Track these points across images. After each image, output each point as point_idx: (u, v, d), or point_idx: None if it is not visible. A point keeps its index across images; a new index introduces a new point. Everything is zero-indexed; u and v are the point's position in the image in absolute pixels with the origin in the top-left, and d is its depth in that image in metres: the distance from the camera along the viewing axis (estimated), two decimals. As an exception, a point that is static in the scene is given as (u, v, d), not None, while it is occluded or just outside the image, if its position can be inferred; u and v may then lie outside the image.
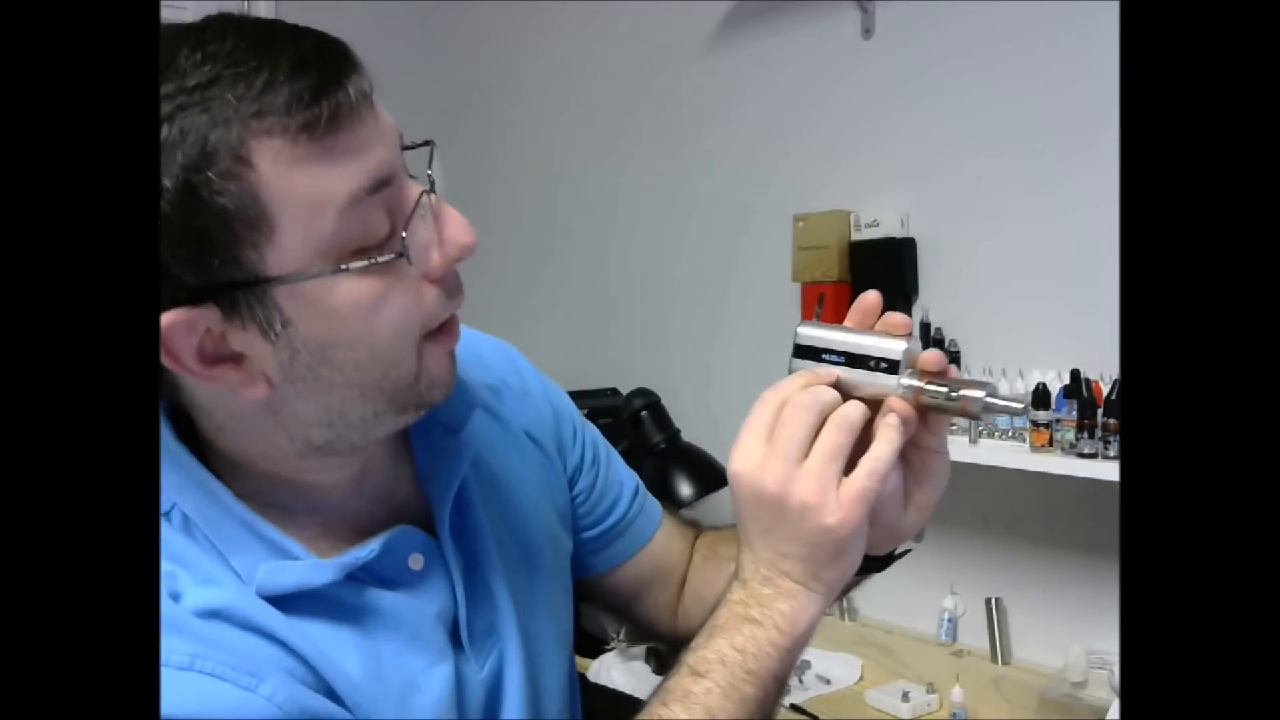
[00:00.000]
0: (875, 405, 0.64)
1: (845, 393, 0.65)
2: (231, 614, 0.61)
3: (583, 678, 1.52)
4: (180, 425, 0.66)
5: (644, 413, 1.89)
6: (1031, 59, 1.54)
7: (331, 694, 0.63)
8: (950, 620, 1.68)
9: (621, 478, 0.90)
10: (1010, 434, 1.46)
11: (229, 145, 0.54)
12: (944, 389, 0.64)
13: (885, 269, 1.68)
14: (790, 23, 1.88)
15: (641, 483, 0.92)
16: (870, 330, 0.67)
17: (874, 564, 0.70)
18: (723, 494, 1.83)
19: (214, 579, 0.62)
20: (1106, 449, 1.34)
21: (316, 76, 0.56)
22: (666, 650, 1.67)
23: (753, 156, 1.98)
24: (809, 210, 1.80)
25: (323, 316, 0.59)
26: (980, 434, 1.49)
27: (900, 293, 1.68)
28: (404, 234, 0.59)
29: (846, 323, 0.68)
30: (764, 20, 1.93)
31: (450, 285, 0.64)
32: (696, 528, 0.95)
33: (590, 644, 1.82)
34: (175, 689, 0.56)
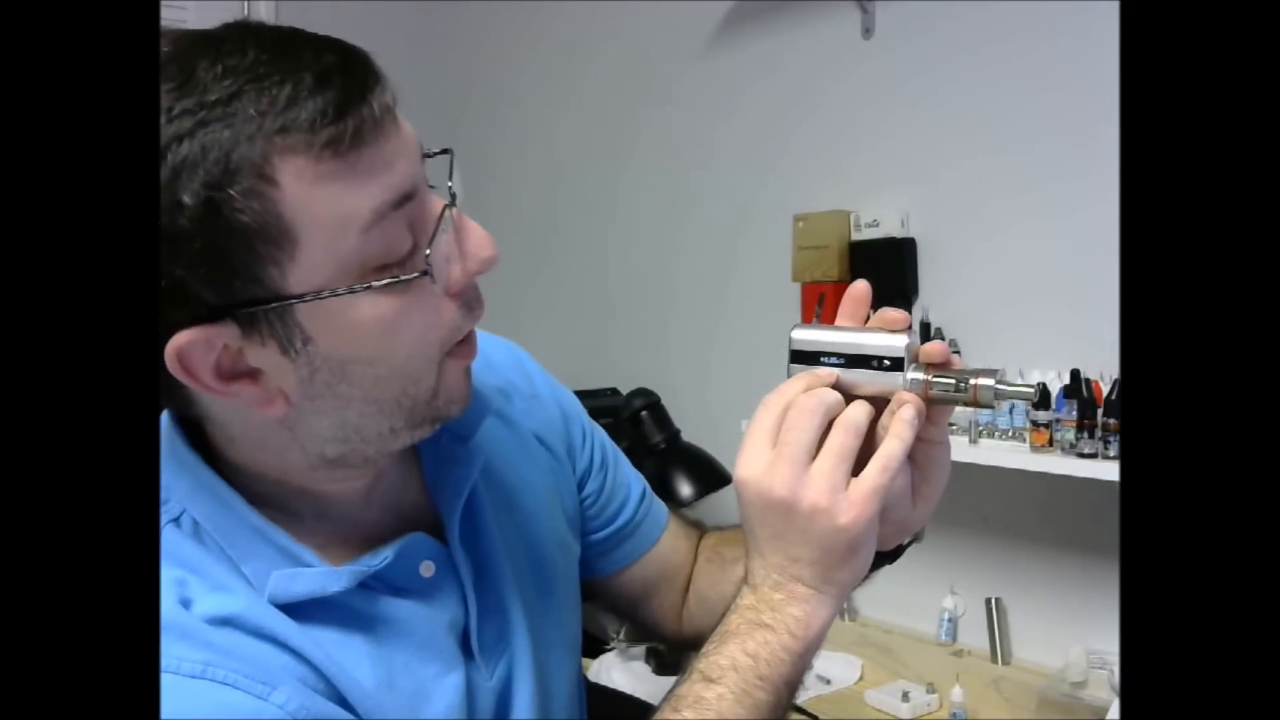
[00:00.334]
0: (876, 402, 0.64)
1: (846, 393, 0.64)
2: (243, 621, 0.60)
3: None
4: (192, 434, 0.66)
5: (644, 413, 1.89)
6: (1031, 59, 1.54)
7: (343, 702, 0.63)
8: (950, 620, 1.68)
9: (629, 480, 0.90)
10: (1010, 434, 1.46)
11: (252, 162, 0.53)
12: (952, 380, 0.63)
13: (885, 269, 1.68)
14: (790, 23, 1.88)
15: (648, 485, 0.92)
16: (867, 328, 0.66)
17: (883, 559, 0.71)
18: (723, 494, 1.83)
19: (225, 586, 0.62)
20: (1106, 449, 1.34)
21: (340, 91, 0.55)
22: (668, 651, 1.67)
23: (753, 156, 1.98)
24: (809, 210, 1.80)
25: (344, 334, 0.58)
26: (980, 434, 1.49)
27: (900, 293, 1.68)
28: (428, 251, 0.59)
29: (840, 317, 0.67)
30: (764, 20, 1.93)
31: (470, 299, 0.63)
32: (701, 529, 0.95)
33: (590, 644, 1.81)
34: (187, 697, 0.56)
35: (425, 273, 0.58)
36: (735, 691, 0.62)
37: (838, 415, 0.62)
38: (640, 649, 1.78)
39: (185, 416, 0.65)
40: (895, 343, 0.64)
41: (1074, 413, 1.36)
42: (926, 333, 1.62)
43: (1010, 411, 1.47)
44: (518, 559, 0.75)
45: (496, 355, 0.84)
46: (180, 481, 0.64)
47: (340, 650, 0.63)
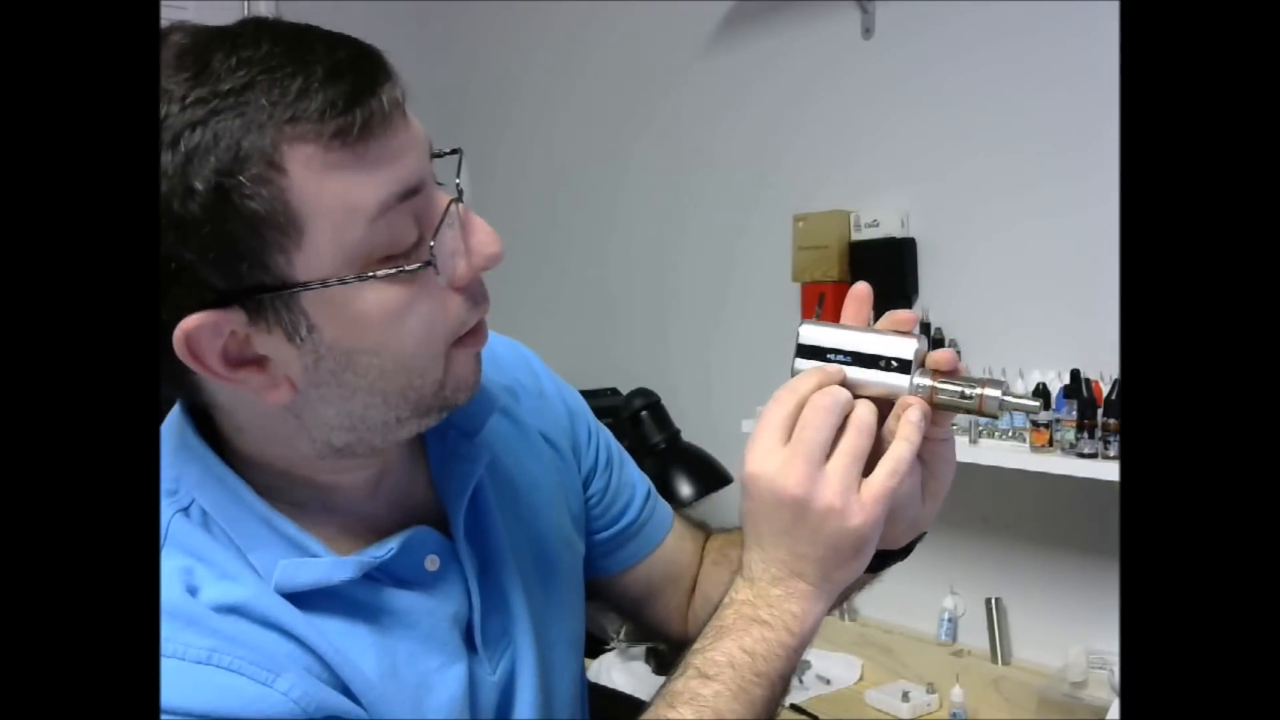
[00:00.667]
0: (879, 403, 0.64)
1: (850, 391, 0.64)
2: (249, 610, 0.61)
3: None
4: (201, 425, 0.66)
5: (644, 413, 1.89)
6: (1032, 59, 1.54)
7: (347, 692, 0.63)
8: (950, 620, 1.68)
9: (634, 480, 0.90)
10: (1010, 434, 1.46)
11: (262, 150, 0.54)
12: (958, 388, 0.64)
13: (885, 269, 1.68)
14: (790, 23, 1.88)
15: (653, 485, 0.92)
16: (874, 328, 0.66)
17: (894, 556, 0.71)
18: (723, 494, 1.83)
19: (232, 574, 0.62)
20: (1106, 449, 1.34)
21: (350, 84, 0.56)
22: (668, 651, 1.67)
23: (753, 156, 1.98)
24: (809, 210, 1.80)
25: (348, 322, 0.59)
26: (980, 434, 1.49)
27: (900, 293, 1.68)
28: (432, 243, 0.59)
29: (844, 315, 0.67)
30: (764, 20, 1.93)
31: (475, 292, 0.64)
32: (706, 530, 0.95)
33: (590, 644, 1.81)
34: (192, 683, 0.57)
35: (429, 264, 0.59)
36: (732, 689, 0.62)
37: (850, 415, 0.63)
38: (640, 649, 1.78)
39: (195, 406, 0.66)
40: (905, 345, 0.64)
41: (1074, 413, 1.36)
42: (926, 332, 1.62)
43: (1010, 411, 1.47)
44: (522, 555, 0.76)
45: (504, 354, 0.84)
46: (190, 471, 0.65)
47: (345, 640, 0.64)
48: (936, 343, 1.59)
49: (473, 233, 0.62)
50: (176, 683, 0.56)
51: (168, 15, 0.56)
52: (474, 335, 0.65)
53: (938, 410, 0.65)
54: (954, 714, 1.53)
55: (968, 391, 0.63)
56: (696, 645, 0.64)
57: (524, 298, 2.53)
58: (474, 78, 2.61)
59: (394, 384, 0.62)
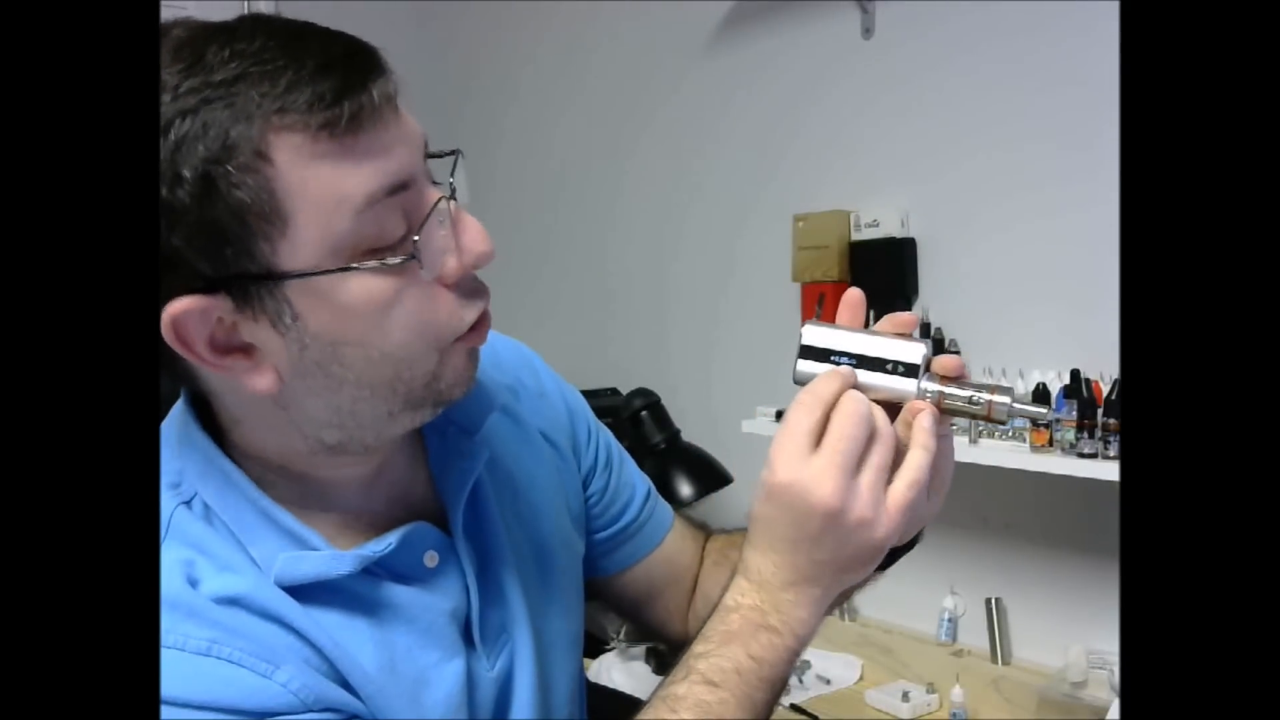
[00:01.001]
0: (883, 406, 0.64)
1: None
2: (249, 601, 0.62)
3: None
4: (203, 418, 0.67)
5: (644, 413, 1.89)
6: (1032, 59, 1.54)
7: (346, 685, 0.64)
8: (950, 620, 1.68)
9: (634, 480, 0.90)
10: (1010, 434, 1.46)
11: (249, 139, 0.55)
12: (966, 394, 0.64)
13: (885, 269, 1.68)
14: (790, 23, 1.88)
15: (653, 485, 0.92)
16: (878, 330, 0.66)
17: (900, 552, 0.71)
18: (723, 494, 1.83)
19: (233, 567, 0.63)
20: (1106, 449, 1.34)
21: (340, 77, 0.56)
22: (668, 651, 1.67)
23: (753, 156, 1.98)
24: (809, 210, 1.80)
25: (332, 313, 0.59)
26: (980, 434, 1.49)
27: (900, 293, 1.68)
28: (416, 238, 0.60)
29: (839, 320, 0.67)
30: (764, 20, 1.93)
31: (467, 289, 0.64)
32: (706, 531, 0.95)
33: (590, 644, 1.81)
34: (192, 674, 0.58)
35: (413, 257, 0.59)
36: (738, 696, 0.62)
37: (874, 425, 0.62)
38: (640, 649, 1.78)
39: (197, 399, 0.67)
40: (912, 350, 0.64)
41: (1074, 413, 1.36)
42: (926, 333, 1.62)
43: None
44: (521, 552, 0.76)
45: (506, 354, 0.85)
46: (193, 465, 0.66)
47: (343, 633, 0.64)
48: (937, 343, 1.59)
49: (463, 231, 0.62)
50: (176, 673, 0.57)
51: (168, 14, 0.57)
52: (474, 332, 0.65)
53: (943, 414, 0.65)
54: (954, 714, 1.53)
55: (976, 397, 0.63)
56: (700, 649, 0.64)
57: (524, 298, 2.53)
58: (474, 78, 2.61)
59: (380, 377, 0.62)
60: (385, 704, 0.65)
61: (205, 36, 0.57)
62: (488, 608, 0.72)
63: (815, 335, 0.65)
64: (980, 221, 1.63)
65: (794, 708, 1.59)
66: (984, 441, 1.48)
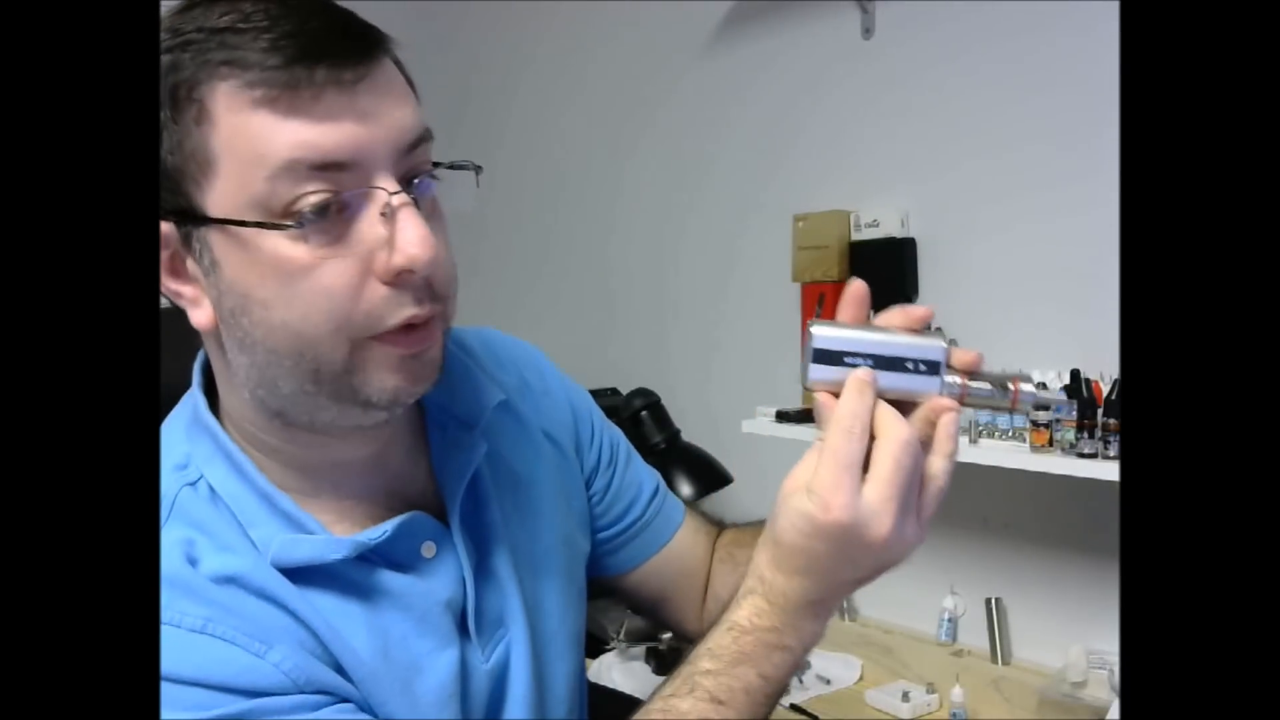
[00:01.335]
0: (900, 405, 0.61)
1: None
2: (246, 581, 0.63)
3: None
4: (213, 406, 0.70)
5: (644, 413, 1.89)
6: (1032, 59, 1.54)
7: (339, 669, 0.65)
8: (950, 620, 1.68)
9: (640, 479, 0.90)
10: (1010, 434, 1.46)
11: (197, 85, 0.59)
12: (989, 387, 0.62)
13: (885, 269, 1.68)
14: (790, 23, 1.88)
15: (663, 484, 0.92)
16: (891, 327, 0.63)
17: None
18: (723, 494, 1.83)
19: (232, 547, 0.64)
20: (1106, 449, 1.33)
21: (297, 47, 0.58)
22: (668, 651, 1.67)
23: (753, 156, 1.98)
24: (809, 210, 1.80)
25: (245, 267, 0.61)
26: (980, 434, 1.49)
27: (900, 293, 1.68)
28: (308, 213, 0.59)
29: (841, 315, 0.64)
30: (764, 20, 1.92)
31: (407, 287, 0.63)
32: (720, 526, 0.95)
33: (590, 644, 1.81)
34: (187, 651, 0.59)
35: (299, 225, 0.59)
36: (742, 713, 0.62)
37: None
38: (640, 649, 1.78)
39: (208, 388, 0.70)
40: (933, 347, 0.62)
41: (1074, 413, 1.36)
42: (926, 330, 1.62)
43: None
44: (520, 548, 0.77)
45: (508, 352, 0.85)
46: (200, 448, 0.68)
47: (338, 617, 0.65)
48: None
49: (400, 231, 0.61)
50: (171, 649, 0.58)
51: (166, 9, 0.58)
52: (402, 337, 0.63)
53: (964, 406, 0.63)
54: (954, 714, 1.53)
55: (1000, 390, 0.61)
56: (709, 666, 0.63)
57: (524, 298, 2.53)
58: (474, 78, 2.61)
59: (285, 346, 0.62)
60: (377, 688, 0.66)
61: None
62: (484, 600, 0.73)
63: (826, 336, 0.62)
64: (980, 221, 1.63)
65: (794, 708, 1.59)
66: (984, 441, 1.48)
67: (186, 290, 0.64)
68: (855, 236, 1.74)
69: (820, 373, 0.62)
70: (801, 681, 1.67)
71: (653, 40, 2.16)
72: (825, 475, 0.59)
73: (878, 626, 1.78)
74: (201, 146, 0.59)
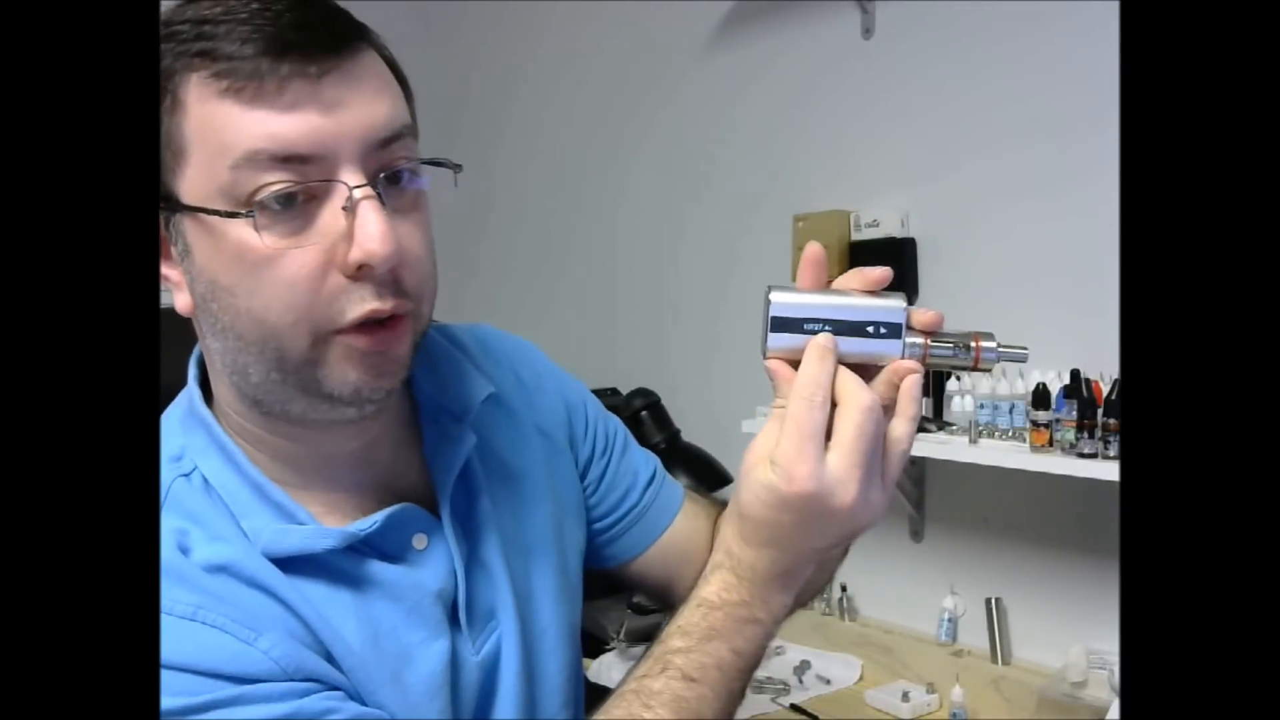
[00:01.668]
0: (860, 368, 0.60)
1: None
2: (237, 569, 0.64)
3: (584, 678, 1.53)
4: (208, 400, 0.70)
5: (644, 413, 1.89)
6: (1032, 59, 1.54)
7: (329, 658, 0.65)
8: (950, 620, 1.68)
9: (637, 467, 0.90)
10: (1010, 434, 1.46)
11: (174, 74, 0.60)
12: (951, 346, 0.61)
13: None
14: (790, 23, 1.88)
15: (661, 470, 0.92)
16: (851, 289, 0.62)
17: None
18: (723, 493, 1.83)
19: (223, 536, 0.65)
20: (1106, 449, 1.34)
21: (267, 40, 0.59)
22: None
23: (753, 157, 1.98)
24: (809, 210, 1.80)
25: (212, 254, 0.62)
26: (980, 434, 1.49)
27: (899, 291, 1.68)
28: (260, 201, 0.60)
29: (800, 281, 0.63)
30: (764, 20, 1.93)
31: (368, 283, 0.62)
32: (721, 507, 0.95)
33: (590, 644, 1.82)
34: (177, 637, 0.60)
35: (249, 214, 0.60)
36: (717, 689, 0.62)
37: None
38: (640, 649, 1.78)
39: (203, 381, 0.70)
40: (893, 309, 0.60)
41: (1074, 413, 1.36)
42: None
43: (1010, 411, 1.47)
44: (513, 541, 0.77)
45: (502, 349, 0.86)
46: (195, 439, 0.68)
47: (328, 607, 0.66)
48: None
49: (360, 226, 0.61)
50: (163, 636, 0.58)
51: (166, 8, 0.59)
52: (362, 333, 0.63)
53: (926, 368, 0.62)
54: (954, 714, 1.53)
55: (962, 349, 0.61)
56: (679, 644, 0.63)
57: (524, 298, 2.53)
58: (474, 78, 2.61)
59: (250, 334, 0.62)
60: (367, 678, 0.66)
61: None
62: (475, 592, 0.73)
63: (785, 303, 0.60)
64: (980, 222, 1.63)
65: (794, 708, 1.59)
66: (984, 441, 1.48)
67: (172, 275, 0.65)
68: (855, 236, 1.74)
69: (780, 341, 0.61)
70: (801, 681, 1.67)
71: (653, 40, 2.16)
72: (788, 446, 0.58)
73: (878, 626, 1.78)
74: (175, 135, 0.60)
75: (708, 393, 2.04)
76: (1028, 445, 1.42)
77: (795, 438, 0.58)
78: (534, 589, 0.78)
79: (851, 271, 0.63)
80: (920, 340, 0.61)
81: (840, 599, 1.79)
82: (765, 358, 0.62)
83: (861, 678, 1.71)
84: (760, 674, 1.66)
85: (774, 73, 1.92)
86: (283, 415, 0.67)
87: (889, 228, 1.70)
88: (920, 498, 1.68)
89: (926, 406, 1.58)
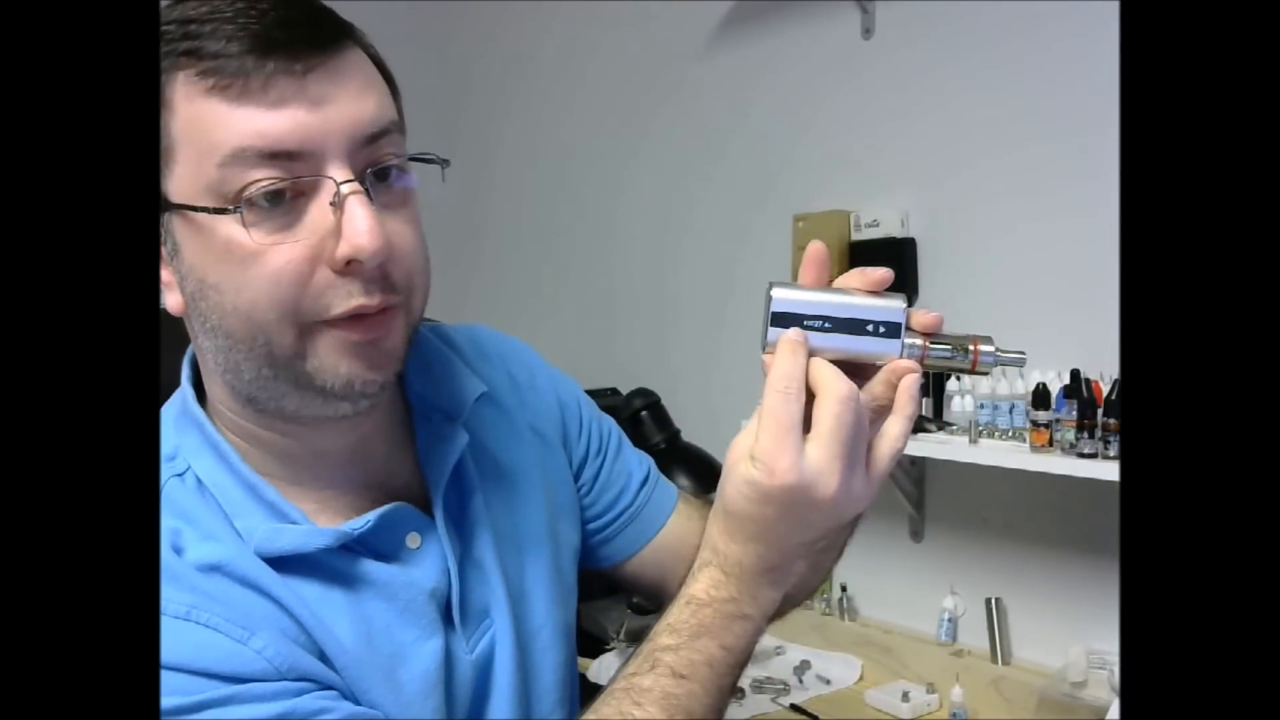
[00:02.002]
0: (854, 366, 0.61)
1: (819, 355, 0.61)
2: (231, 569, 0.64)
3: (582, 678, 1.52)
4: (200, 397, 0.70)
5: (644, 413, 1.89)
6: (1032, 59, 1.54)
7: (323, 657, 0.65)
8: (950, 620, 1.68)
9: (630, 468, 0.90)
10: (1010, 434, 1.46)
11: (164, 74, 0.61)
12: (950, 348, 0.61)
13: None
14: (790, 23, 1.88)
15: (655, 470, 0.92)
16: (851, 289, 0.62)
17: None
18: (723, 494, 1.83)
19: (217, 536, 0.65)
20: (1106, 449, 1.34)
21: (252, 38, 0.59)
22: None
23: (753, 157, 1.98)
24: (809, 210, 1.80)
25: (200, 252, 0.62)
26: (980, 434, 1.49)
27: (900, 292, 1.68)
28: (250, 197, 0.60)
29: (802, 279, 0.63)
30: (764, 21, 1.93)
31: (356, 279, 0.63)
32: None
33: (591, 644, 1.82)
34: (171, 637, 0.59)
35: (236, 210, 0.60)
36: (707, 686, 0.62)
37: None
38: (640, 649, 1.79)
39: (196, 382, 0.71)
40: (892, 309, 0.61)
41: (1074, 413, 1.36)
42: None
43: (1010, 411, 1.47)
44: (506, 540, 0.77)
45: (496, 349, 0.86)
46: (188, 440, 0.69)
47: (322, 606, 0.66)
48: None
49: (348, 220, 0.61)
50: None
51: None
52: (353, 325, 0.63)
53: (925, 369, 0.63)
54: (954, 714, 1.53)
55: (960, 349, 0.61)
56: (668, 641, 0.63)
57: (525, 298, 2.53)
58: (474, 78, 2.61)
59: (240, 331, 0.63)
60: (361, 677, 0.66)
61: None
62: (469, 591, 0.73)
63: (786, 299, 0.61)
64: (981, 221, 1.63)
65: (794, 708, 1.59)
66: (984, 441, 1.48)
67: (163, 274, 0.65)
68: (855, 236, 1.74)
69: (779, 335, 0.61)
70: (801, 681, 1.68)
71: (653, 41, 2.16)
72: (766, 439, 0.59)
73: (878, 626, 1.78)
74: (165, 134, 0.61)
75: (708, 393, 2.04)
76: (1028, 445, 1.42)
77: (773, 431, 0.59)
78: (528, 588, 0.78)
79: (853, 271, 0.64)
80: (919, 341, 0.61)
81: (840, 599, 1.79)
82: (764, 352, 0.62)
83: (861, 678, 1.71)
84: (760, 674, 1.68)
85: (774, 73, 1.92)
86: (277, 412, 0.67)
87: (889, 228, 1.70)
88: (920, 498, 1.69)
89: (926, 406, 1.58)
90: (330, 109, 0.61)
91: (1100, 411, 1.34)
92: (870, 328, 0.61)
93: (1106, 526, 1.48)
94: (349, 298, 0.63)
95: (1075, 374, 1.39)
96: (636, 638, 1.79)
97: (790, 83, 1.90)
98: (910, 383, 0.61)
